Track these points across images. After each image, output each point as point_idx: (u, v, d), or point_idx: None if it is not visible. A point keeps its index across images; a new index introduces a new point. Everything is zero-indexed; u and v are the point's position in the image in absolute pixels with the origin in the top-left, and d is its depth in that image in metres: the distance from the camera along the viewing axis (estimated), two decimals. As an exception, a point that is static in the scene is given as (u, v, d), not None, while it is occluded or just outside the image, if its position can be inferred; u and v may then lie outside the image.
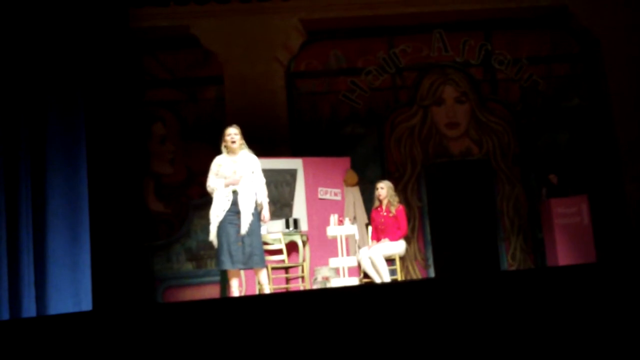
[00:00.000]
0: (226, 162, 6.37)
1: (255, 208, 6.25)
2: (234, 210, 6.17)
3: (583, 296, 3.35)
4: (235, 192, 6.23)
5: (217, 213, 6.21)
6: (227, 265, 6.12)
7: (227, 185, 6.24)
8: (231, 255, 6.09)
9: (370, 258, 7.29)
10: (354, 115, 9.51)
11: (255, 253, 6.14)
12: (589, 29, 9.70)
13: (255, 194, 6.28)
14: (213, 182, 6.32)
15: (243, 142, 6.46)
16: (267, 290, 6.45)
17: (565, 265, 7.66)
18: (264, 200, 6.32)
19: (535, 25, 9.71)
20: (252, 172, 6.33)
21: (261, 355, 3.16)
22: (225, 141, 6.43)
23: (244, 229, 6.10)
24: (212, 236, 6.25)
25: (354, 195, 8.65)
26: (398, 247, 7.47)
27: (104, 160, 7.71)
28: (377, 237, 7.59)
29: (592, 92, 9.67)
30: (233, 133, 6.42)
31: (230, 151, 6.42)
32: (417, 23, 9.61)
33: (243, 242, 6.10)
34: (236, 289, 6.27)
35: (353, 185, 8.71)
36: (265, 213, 6.31)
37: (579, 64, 9.75)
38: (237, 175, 6.25)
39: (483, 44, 9.71)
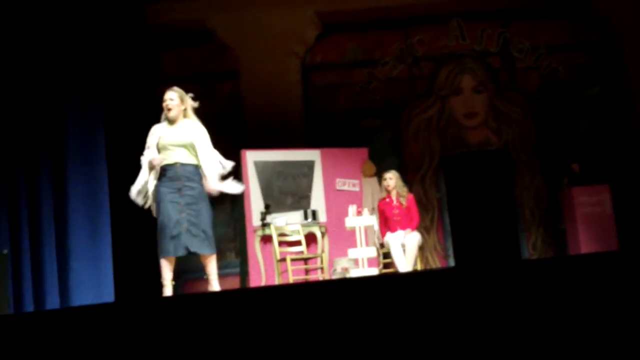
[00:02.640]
0: (164, 133, 5.40)
1: (200, 183, 5.33)
2: (175, 187, 5.28)
3: (605, 285, 3.32)
4: (174, 165, 5.30)
5: (153, 189, 5.37)
6: (169, 252, 5.21)
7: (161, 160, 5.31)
8: (172, 240, 5.19)
9: (403, 245, 7.25)
10: (370, 107, 9.48)
11: (202, 237, 5.23)
12: (609, 17, 9.58)
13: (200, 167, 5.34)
14: (146, 155, 5.44)
15: (184, 108, 5.43)
16: (215, 286, 5.38)
17: (587, 254, 7.60)
18: (228, 167, 5.47)
19: (554, 12, 9.61)
20: (198, 145, 5.36)
21: (282, 346, 3.17)
22: (162, 108, 5.43)
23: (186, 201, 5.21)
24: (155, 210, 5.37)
25: (372, 186, 8.63)
26: (419, 237, 7.49)
27: (123, 156, 7.75)
28: (390, 227, 7.52)
29: (611, 80, 9.56)
30: (169, 98, 5.40)
31: (168, 120, 5.44)
32: (434, 13, 9.54)
33: (187, 223, 5.20)
34: (169, 282, 5.34)
35: (371, 176, 8.70)
36: (212, 183, 5.32)
37: (599, 51, 9.63)
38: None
39: (502, 32, 9.62)
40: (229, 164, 5.51)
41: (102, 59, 7.42)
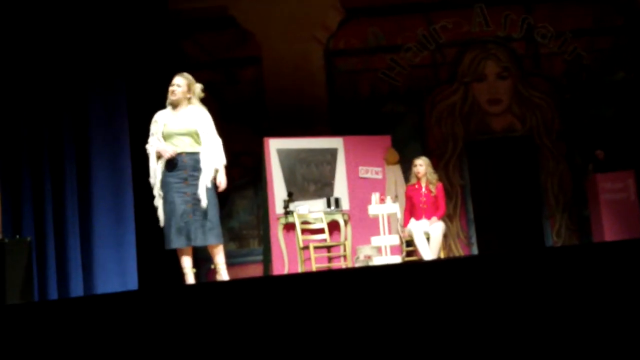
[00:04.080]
0: (168, 120, 5.30)
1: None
2: (181, 177, 5.22)
3: (629, 272, 3.28)
4: (180, 155, 5.23)
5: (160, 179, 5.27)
6: (175, 243, 5.18)
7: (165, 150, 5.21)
8: (179, 231, 5.16)
9: (427, 233, 7.21)
10: (393, 93, 9.43)
11: (209, 227, 5.17)
12: (633, 0, 9.43)
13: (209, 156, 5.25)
14: (152, 144, 5.31)
15: (190, 95, 5.34)
16: (224, 275, 5.32)
17: (611, 241, 7.52)
18: (221, 164, 5.30)
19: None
20: (202, 132, 5.27)
21: (304, 333, 3.17)
22: (168, 93, 5.36)
23: (203, 201, 5.14)
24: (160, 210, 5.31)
25: (395, 174, 8.62)
26: (444, 225, 7.45)
27: (146, 142, 7.79)
28: (416, 214, 7.48)
29: (637, 65, 9.42)
30: (176, 83, 5.31)
31: (172, 105, 5.35)
32: (457, -2, 9.47)
33: (194, 214, 5.14)
34: (189, 270, 5.33)
35: (394, 163, 8.67)
36: (221, 178, 5.27)
37: (623, 36, 9.50)
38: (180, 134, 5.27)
39: (525, 17, 9.51)
40: (222, 160, 5.34)
41: (125, 45, 7.44)
